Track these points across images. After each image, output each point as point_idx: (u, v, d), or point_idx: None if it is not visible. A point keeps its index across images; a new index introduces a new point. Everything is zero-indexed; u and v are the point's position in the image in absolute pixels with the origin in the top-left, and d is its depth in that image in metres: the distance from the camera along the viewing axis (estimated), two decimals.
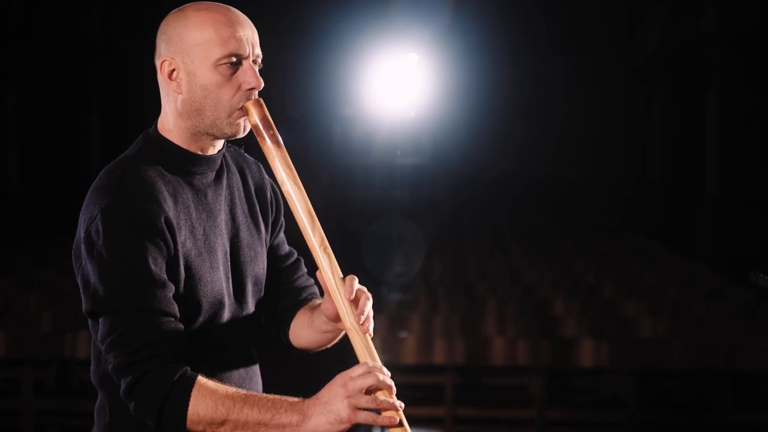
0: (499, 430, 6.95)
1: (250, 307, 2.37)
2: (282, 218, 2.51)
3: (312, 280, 2.51)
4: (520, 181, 20.17)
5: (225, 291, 2.28)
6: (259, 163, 2.47)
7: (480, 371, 7.19)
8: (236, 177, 2.40)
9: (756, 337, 6.86)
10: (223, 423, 2.06)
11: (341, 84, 19.22)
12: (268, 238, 2.46)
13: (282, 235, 2.53)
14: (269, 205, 2.46)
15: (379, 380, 2.08)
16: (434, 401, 6.74)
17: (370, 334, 2.18)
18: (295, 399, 2.10)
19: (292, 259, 2.54)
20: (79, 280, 2.18)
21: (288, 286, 2.49)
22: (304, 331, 2.42)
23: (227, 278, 2.30)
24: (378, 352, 7.29)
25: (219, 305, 2.25)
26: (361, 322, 2.17)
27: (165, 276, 2.13)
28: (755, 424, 6.64)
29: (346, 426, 2.06)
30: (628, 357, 6.63)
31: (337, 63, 19.09)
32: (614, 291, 8.74)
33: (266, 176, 2.48)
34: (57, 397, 6.95)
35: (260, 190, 2.46)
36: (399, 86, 19.33)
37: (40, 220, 14.92)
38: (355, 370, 2.08)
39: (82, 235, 2.15)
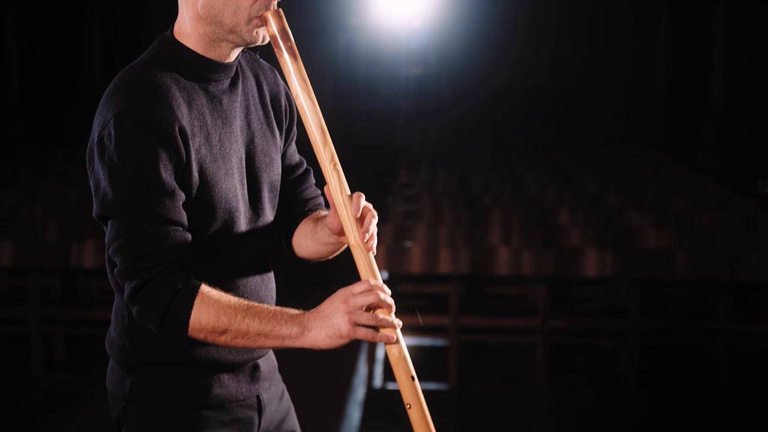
0: (502, 339, 7.02)
1: (267, 213, 2.36)
2: (295, 127, 2.49)
3: (319, 191, 2.51)
4: (522, 91, 20.05)
5: (240, 197, 2.27)
6: (274, 69, 2.45)
7: (484, 280, 7.23)
8: (251, 83, 2.38)
9: (758, 247, 6.88)
10: (224, 332, 2.08)
11: None
12: (282, 145, 2.45)
13: (294, 144, 2.52)
14: (284, 113, 2.45)
15: (379, 298, 2.09)
16: (439, 310, 6.79)
17: (373, 252, 2.19)
18: (296, 311, 2.12)
19: (302, 170, 2.53)
20: (91, 184, 2.17)
21: (296, 196, 2.49)
22: (307, 241, 2.43)
23: (242, 185, 2.29)
24: (384, 262, 7.36)
25: (234, 212, 2.25)
26: (365, 240, 2.17)
27: (175, 184, 2.13)
28: (756, 333, 6.69)
29: (344, 341, 2.09)
30: (632, 267, 6.65)
31: None
32: (618, 202, 8.74)
33: (281, 82, 2.45)
34: (63, 306, 7.00)
35: (275, 96, 2.43)
36: None
37: (41, 133, 14.88)
38: (357, 287, 2.10)
39: (95, 139, 2.14)
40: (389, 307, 2.13)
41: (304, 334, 2.08)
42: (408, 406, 2.15)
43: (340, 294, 2.10)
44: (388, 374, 6.90)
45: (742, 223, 7.74)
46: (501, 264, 6.72)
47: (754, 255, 6.65)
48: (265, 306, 2.13)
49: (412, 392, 2.15)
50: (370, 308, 2.12)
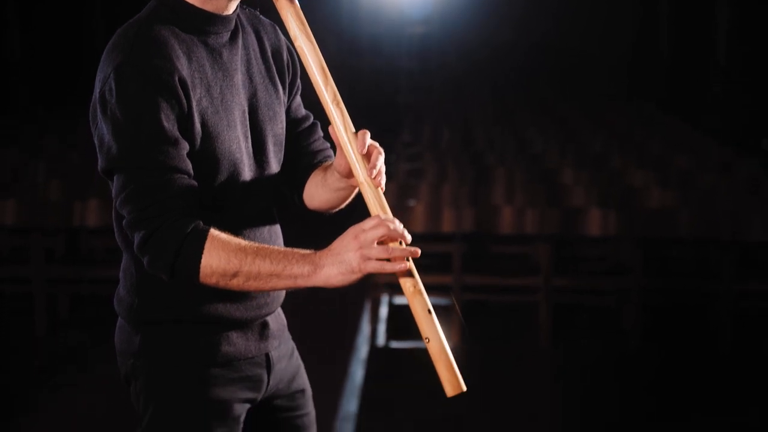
0: (506, 298, 7.03)
1: (272, 166, 2.35)
2: (299, 81, 2.48)
3: (327, 144, 2.49)
4: (525, 49, 19.94)
5: (243, 150, 2.26)
6: (275, 25, 2.43)
7: (488, 239, 7.23)
8: (252, 38, 2.36)
9: (761, 207, 6.87)
10: (235, 275, 2.06)
11: None
12: (286, 100, 2.43)
13: (299, 98, 2.50)
14: (286, 67, 2.43)
15: (390, 230, 2.08)
16: (442, 269, 6.79)
17: (381, 188, 2.18)
18: (307, 251, 2.11)
19: (308, 123, 2.52)
20: (95, 141, 2.17)
21: (304, 149, 2.48)
22: (318, 190, 2.41)
23: (246, 137, 2.28)
24: None
25: (238, 164, 2.24)
26: (373, 176, 2.16)
27: (178, 134, 2.11)
28: (759, 293, 6.70)
29: (357, 276, 2.07)
30: (635, 226, 6.65)
31: None
32: (622, 161, 8.72)
33: (282, 37, 2.44)
34: (66, 265, 7.01)
35: (277, 51, 2.42)
36: None
37: (42, 92, 14.82)
38: (367, 223, 2.09)
39: (97, 95, 2.14)
40: (403, 237, 2.12)
41: (317, 272, 2.07)
42: (426, 340, 2.12)
43: (351, 231, 2.10)
44: (391, 333, 6.92)
45: (746, 183, 7.72)
46: (504, 223, 6.72)
47: (757, 215, 6.64)
48: (276, 247, 2.13)
49: (430, 326, 2.13)
50: (384, 243, 2.10)
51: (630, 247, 6.77)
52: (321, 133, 2.53)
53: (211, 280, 2.09)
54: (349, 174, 2.26)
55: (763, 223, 6.61)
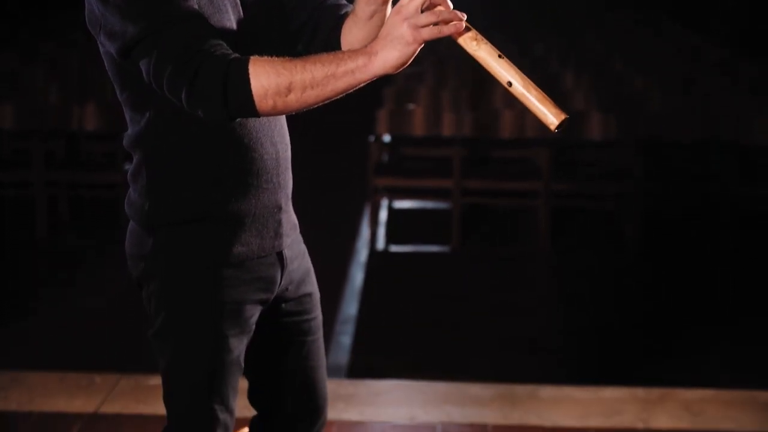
0: (506, 202, 7.04)
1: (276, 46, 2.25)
2: None
3: (347, 3, 2.39)
4: None
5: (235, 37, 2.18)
6: None
7: (488, 144, 7.21)
8: None
9: (763, 110, 6.83)
10: (289, 88, 1.99)
11: None
12: None
13: None
14: None
15: None
16: (442, 173, 6.79)
17: None
18: (353, 49, 2.06)
19: None
20: (105, 40, 2.10)
21: (322, 8, 2.37)
22: (353, 31, 2.30)
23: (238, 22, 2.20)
24: (386, 124, 7.29)
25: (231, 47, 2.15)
26: None
27: None
28: (758, 195, 6.70)
29: (414, 47, 1.98)
30: (636, 130, 6.62)
31: None
32: (623, 64, 8.65)
33: None
34: (66, 169, 7.01)
35: None
36: None
37: None
38: None
39: None
40: (443, 2, 2.05)
41: (372, 60, 1.99)
42: (508, 84, 2.04)
43: (393, 11, 2.02)
44: (391, 237, 6.94)
45: (748, 85, 7.68)
46: (504, 127, 6.69)
47: (759, 118, 6.61)
48: (320, 53, 2.05)
49: (507, 69, 2.05)
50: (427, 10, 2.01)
51: (630, 152, 6.75)
52: None
53: (268, 103, 2.01)
54: None
55: (765, 125, 6.58)
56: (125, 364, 4.33)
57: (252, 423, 2.55)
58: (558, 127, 2.01)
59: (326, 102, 2.06)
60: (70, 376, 4.14)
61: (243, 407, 2.41)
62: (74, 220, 7.12)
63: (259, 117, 2.07)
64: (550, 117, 2.01)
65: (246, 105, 2.02)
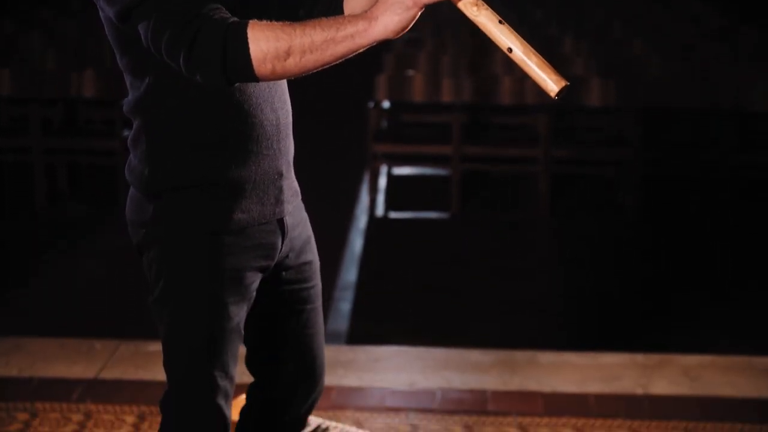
0: (505, 168, 7.03)
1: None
2: None
3: None
4: None
5: None
6: None
7: (487, 110, 7.20)
8: None
9: (763, 77, 6.81)
10: (288, 52, 1.97)
11: None
12: None
13: None
14: None
15: None
16: (441, 139, 6.77)
17: None
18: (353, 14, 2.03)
19: None
20: (104, 5, 2.05)
21: None
22: None
23: None
24: (385, 90, 7.26)
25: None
26: None
27: None
28: (757, 163, 6.70)
29: (414, 12, 1.96)
30: (635, 96, 6.61)
31: None
32: (623, 30, 8.62)
33: None
34: (64, 135, 6.99)
35: None
36: None
37: None
38: None
39: None
40: None
41: (372, 25, 1.96)
42: (508, 50, 2.02)
43: None
44: (390, 203, 6.94)
45: (749, 52, 7.65)
46: (504, 93, 6.68)
47: (759, 84, 6.59)
48: (320, 18, 2.02)
49: (507, 35, 2.03)
50: None
51: (630, 118, 6.73)
52: None
53: (267, 67, 1.99)
54: None
55: (765, 92, 6.56)
56: (125, 330, 4.34)
57: (249, 390, 2.56)
58: (558, 94, 1.99)
59: (326, 67, 2.04)
60: (70, 342, 4.15)
61: (240, 374, 2.41)
62: (73, 188, 7.11)
63: (258, 81, 2.06)
64: (551, 84, 2.00)
65: (244, 69, 2.00)
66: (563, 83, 1.99)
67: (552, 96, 2.01)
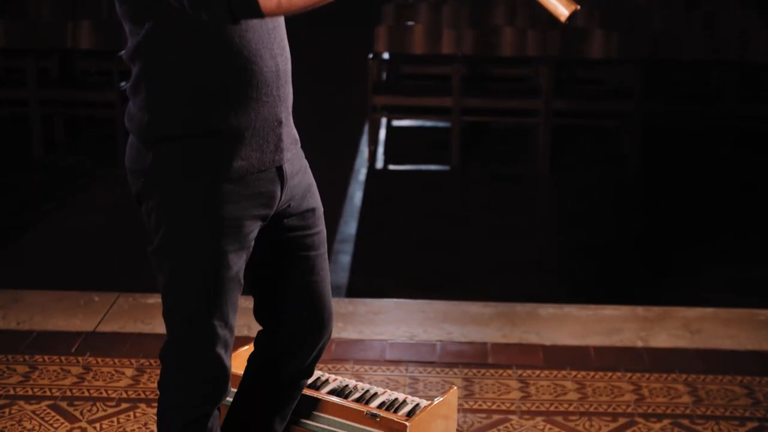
0: (506, 120, 6.99)
1: None
2: None
3: None
4: None
5: None
6: None
7: (488, 62, 7.14)
8: None
9: (767, 27, 6.75)
10: None
11: None
12: None
13: None
14: None
15: None
16: (441, 92, 6.73)
17: None
18: None
19: None
20: None
21: None
22: None
23: None
24: (385, 42, 7.22)
25: None
26: None
27: None
28: (760, 114, 6.65)
29: None
30: (637, 47, 6.55)
31: None
32: None
33: None
34: (60, 87, 6.94)
35: None
36: None
37: None
38: None
39: None
40: None
41: None
42: None
43: None
44: (390, 155, 6.91)
45: (753, 3, 7.57)
46: (505, 45, 6.62)
47: (764, 34, 6.53)
48: None
49: None
50: None
51: (631, 70, 6.68)
52: None
53: (272, 1, 1.94)
54: None
55: None
56: (123, 283, 4.33)
57: (257, 338, 2.55)
58: (568, 19, 1.95)
59: (331, 2, 2.00)
60: (68, 295, 4.13)
61: (243, 326, 2.40)
62: (70, 139, 7.07)
63: (264, 18, 2.01)
64: (561, 8, 1.95)
65: (250, 4, 1.96)
66: (573, 7, 1.95)
67: (562, 21, 1.97)
